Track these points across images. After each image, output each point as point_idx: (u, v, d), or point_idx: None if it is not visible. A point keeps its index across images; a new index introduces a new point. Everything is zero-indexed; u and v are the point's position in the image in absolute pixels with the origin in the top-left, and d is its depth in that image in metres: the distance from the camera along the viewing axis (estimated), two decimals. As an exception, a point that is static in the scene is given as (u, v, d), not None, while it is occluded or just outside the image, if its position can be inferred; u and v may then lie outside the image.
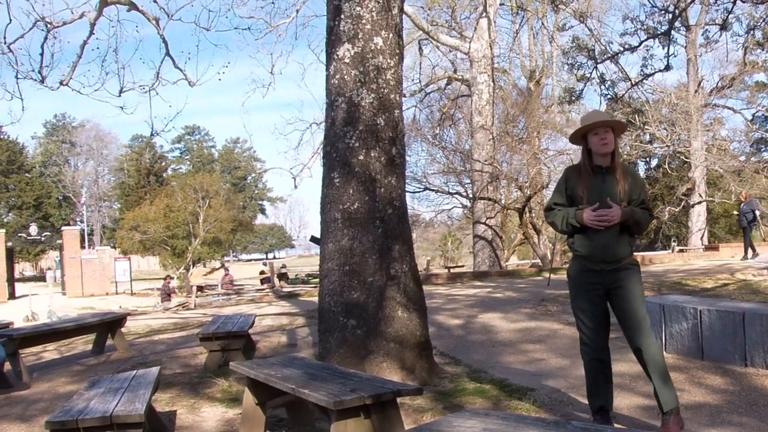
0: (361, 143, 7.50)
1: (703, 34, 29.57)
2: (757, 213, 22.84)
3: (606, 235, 5.40)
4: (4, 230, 44.97)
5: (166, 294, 33.56)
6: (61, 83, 13.27)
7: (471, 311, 12.52)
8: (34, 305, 30.46)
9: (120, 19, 14.34)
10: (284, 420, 6.41)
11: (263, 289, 31.34)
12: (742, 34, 20.22)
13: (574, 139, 5.74)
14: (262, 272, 41.58)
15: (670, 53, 17.85)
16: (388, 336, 7.30)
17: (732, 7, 17.05)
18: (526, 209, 28.04)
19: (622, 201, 5.37)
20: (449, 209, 42.18)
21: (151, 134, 15.39)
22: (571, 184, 5.57)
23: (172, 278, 37.49)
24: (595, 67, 20.22)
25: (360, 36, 7.60)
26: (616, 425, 5.58)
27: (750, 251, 22.33)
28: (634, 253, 5.60)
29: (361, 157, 7.48)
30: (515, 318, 11.41)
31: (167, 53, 14.28)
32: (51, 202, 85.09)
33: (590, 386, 5.62)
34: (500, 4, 31.66)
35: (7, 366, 9.03)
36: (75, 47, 13.40)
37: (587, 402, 5.73)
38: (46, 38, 13.04)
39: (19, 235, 70.48)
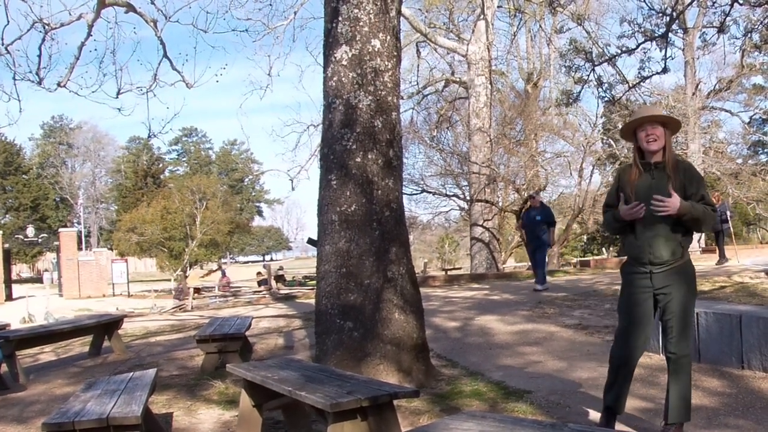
0: (359, 145, 7.50)
1: (700, 37, 29.66)
2: (729, 216, 22.39)
3: (654, 232, 5.24)
4: (1, 232, 44.91)
5: (181, 292, 33.66)
6: (58, 85, 13.27)
7: (468, 313, 12.52)
8: (31, 307, 30.38)
9: (118, 21, 14.29)
10: (281, 422, 6.41)
11: (260, 291, 31.35)
12: (739, 37, 20.29)
13: (625, 135, 5.62)
14: (259, 274, 41.55)
15: (667, 56, 17.89)
16: (385, 338, 7.29)
17: (729, 10, 17.07)
18: (523, 211, 28.04)
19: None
20: (447, 211, 42.12)
21: (149, 136, 15.37)
22: (621, 183, 5.44)
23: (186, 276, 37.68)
24: (593, 70, 20.23)
25: (357, 38, 7.61)
26: (617, 426, 5.57)
27: (723, 253, 21.79)
28: None
29: (359, 160, 7.48)
30: (512, 320, 11.42)
31: (165, 55, 14.29)
32: (48, 204, 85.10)
33: (607, 383, 5.57)
34: (498, 7, 31.63)
35: (4, 368, 9.03)
36: (73, 49, 13.41)
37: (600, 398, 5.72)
38: (43, 40, 13.05)
39: (16, 236, 70.44)
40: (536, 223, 15.66)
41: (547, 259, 16.94)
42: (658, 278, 5.24)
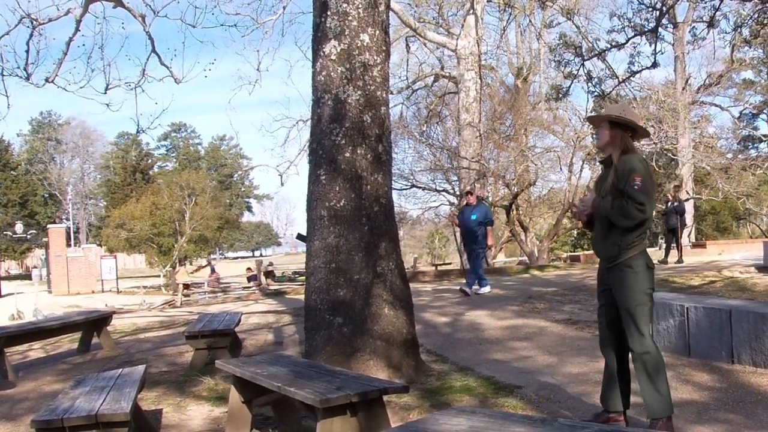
0: (348, 140, 7.48)
1: (690, 32, 29.60)
2: (687, 212, 21.86)
3: (598, 230, 5.42)
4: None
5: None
6: (46, 80, 13.19)
7: (458, 309, 12.52)
8: (20, 304, 30.37)
9: (106, 16, 14.22)
10: (270, 418, 6.39)
11: (249, 287, 31.32)
12: (729, 32, 20.24)
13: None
14: (248, 269, 41.53)
15: (657, 50, 17.93)
16: (375, 334, 7.28)
17: (719, 5, 17.11)
18: (513, 206, 28.04)
19: (609, 194, 5.28)
20: (436, 206, 42.13)
21: (137, 131, 15.32)
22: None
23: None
24: (582, 65, 20.22)
25: (346, 33, 7.58)
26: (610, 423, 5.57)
27: (669, 254, 20.99)
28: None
29: (348, 155, 7.46)
30: (502, 315, 11.42)
31: (153, 50, 14.23)
32: (37, 200, 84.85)
33: (603, 382, 5.65)
34: (487, 1, 31.64)
35: (-8, 365, 8.99)
36: (61, 44, 13.32)
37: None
38: (31, 35, 12.97)
39: (5, 233, 70.23)
40: (472, 222, 14.52)
41: (483, 262, 15.73)
42: (609, 274, 5.38)
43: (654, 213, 5.42)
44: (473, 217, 14.44)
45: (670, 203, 20.61)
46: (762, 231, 46.80)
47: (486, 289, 14.72)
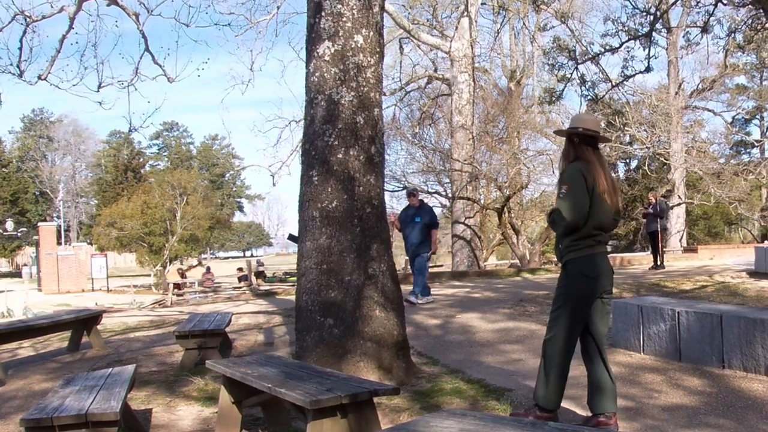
0: (340, 141, 7.47)
1: (684, 36, 29.73)
2: (666, 216, 21.69)
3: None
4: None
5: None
6: (39, 78, 13.17)
7: (449, 311, 12.51)
8: (10, 302, 30.29)
9: (99, 14, 14.25)
10: (260, 419, 6.38)
11: (240, 287, 31.28)
12: (723, 37, 20.30)
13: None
14: (239, 270, 41.50)
15: (651, 55, 17.94)
16: (366, 335, 7.27)
17: (713, 10, 17.14)
18: (505, 209, 28.08)
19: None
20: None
21: (130, 130, 15.29)
22: None
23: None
24: (576, 68, 20.25)
25: (340, 34, 7.57)
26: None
27: (657, 258, 20.50)
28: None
29: (340, 156, 7.45)
30: (493, 318, 11.42)
31: (146, 49, 14.21)
32: (28, 198, 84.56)
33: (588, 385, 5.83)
34: (482, 4, 31.67)
35: (-19, 363, 8.96)
36: (54, 41, 13.32)
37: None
38: (25, 32, 12.94)
39: (-5, 230, 70.02)
40: (415, 225, 13.71)
41: (428, 267, 14.72)
42: None
43: (609, 220, 5.59)
44: (418, 219, 13.74)
45: (651, 206, 20.33)
46: (753, 236, 47.00)
47: (427, 299, 13.90)
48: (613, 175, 6.00)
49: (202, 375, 8.08)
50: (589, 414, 5.65)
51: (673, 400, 6.38)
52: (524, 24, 38.15)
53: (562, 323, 5.53)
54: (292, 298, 9.70)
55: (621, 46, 18.73)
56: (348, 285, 7.34)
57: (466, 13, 27.79)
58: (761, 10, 14.98)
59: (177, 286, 33.60)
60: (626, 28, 18.97)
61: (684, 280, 15.78)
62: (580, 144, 5.63)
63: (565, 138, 5.80)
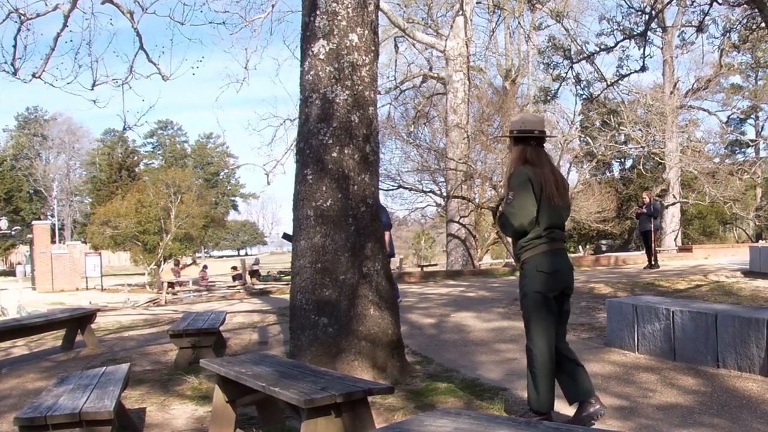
0: (335, 140, 7.46)
1: (679, 36, 29.67)
2: (660, 216, 21.56)
3: None
4: (-27, 224, 44.54)
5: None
6: (33, 76, 13.12)
7: (444, 310, 12.51)
8: (4, 300, 30.17)
9: (94, 12, 14.17)
10: (254, 418, 6.37)
11: (235, 286, 31.25)
12: (718, 36, 20.26)
13: None
14: (234, 269, 41.46)
15: (646, 54, 17.92)
16: (360, 334, 7.27)
17: (708, 9, 17.14)
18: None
19: None
20: (423, 207, 42.29)
21: (124, 128, 15.21)
22: None
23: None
24: (571, 67, 20.22)
25: (335, 32, 7.56)
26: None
27: (651, 257, 20.44)
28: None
29: (335, 154, 7.45)
30: (488, 317, 11.42)
31: (141, 47, 14.16)
32: (22, 196, 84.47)
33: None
34: (477, 3, 31.68)
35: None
36: (48, 39, 13.26)
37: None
38: (19, 30, 12.89)
39: (-11, 229, 69.91)
40: None
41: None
42: None
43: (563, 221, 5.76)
44: None
45: (645, 206, 20.24)
46: (748, 235, 47.10)
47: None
48: (559, 170, 6.00)
49: (197, 374, 8.06)
50: (575, 409, 5.66)
51: (667, 399, 6.38)
52: (519, 23, 38.23)
53: (534, 325, 5.61)
54: (287, 297, 9.69)
55: (616, 45, 18.71)
56: (342, 284, 7.34)
57: (461, 12, 27.78)
58: (756, 10, 14.97)
59: (171, 284, 33.55)
60: (621, 28, 18.94)
61: (679, 279, 15.80)
62: (526, 145, 5.71)
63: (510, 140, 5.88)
